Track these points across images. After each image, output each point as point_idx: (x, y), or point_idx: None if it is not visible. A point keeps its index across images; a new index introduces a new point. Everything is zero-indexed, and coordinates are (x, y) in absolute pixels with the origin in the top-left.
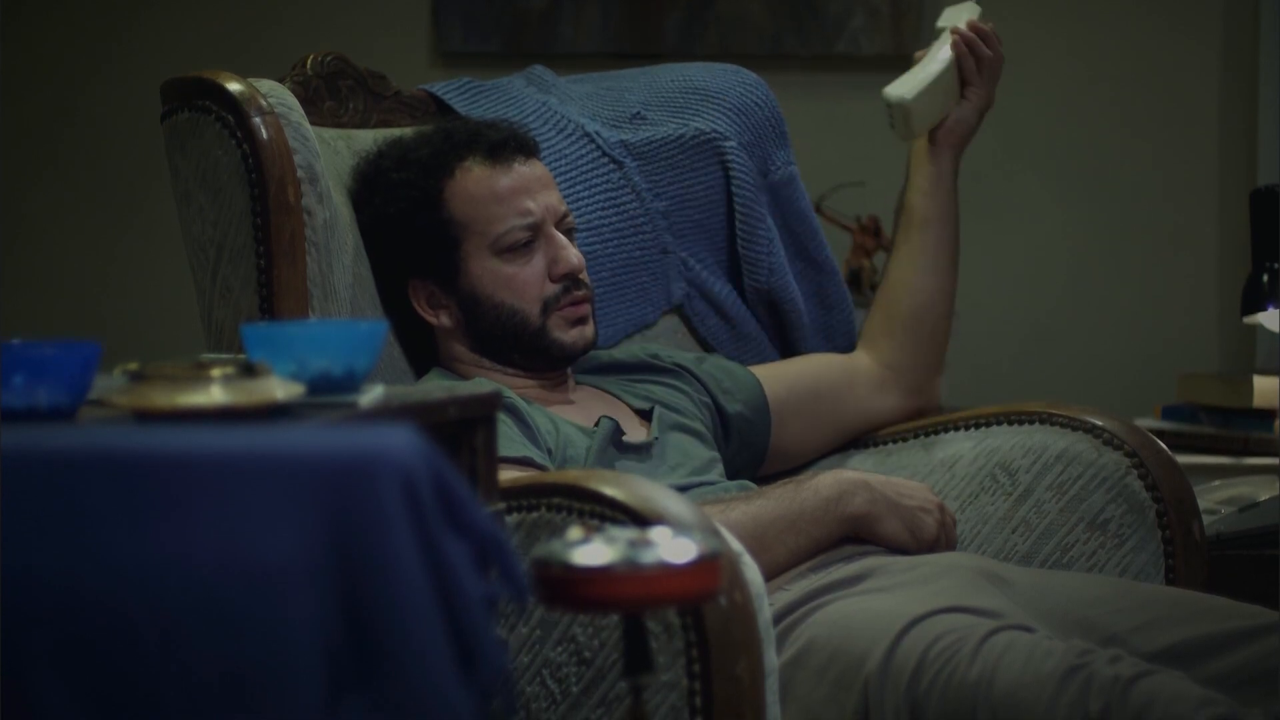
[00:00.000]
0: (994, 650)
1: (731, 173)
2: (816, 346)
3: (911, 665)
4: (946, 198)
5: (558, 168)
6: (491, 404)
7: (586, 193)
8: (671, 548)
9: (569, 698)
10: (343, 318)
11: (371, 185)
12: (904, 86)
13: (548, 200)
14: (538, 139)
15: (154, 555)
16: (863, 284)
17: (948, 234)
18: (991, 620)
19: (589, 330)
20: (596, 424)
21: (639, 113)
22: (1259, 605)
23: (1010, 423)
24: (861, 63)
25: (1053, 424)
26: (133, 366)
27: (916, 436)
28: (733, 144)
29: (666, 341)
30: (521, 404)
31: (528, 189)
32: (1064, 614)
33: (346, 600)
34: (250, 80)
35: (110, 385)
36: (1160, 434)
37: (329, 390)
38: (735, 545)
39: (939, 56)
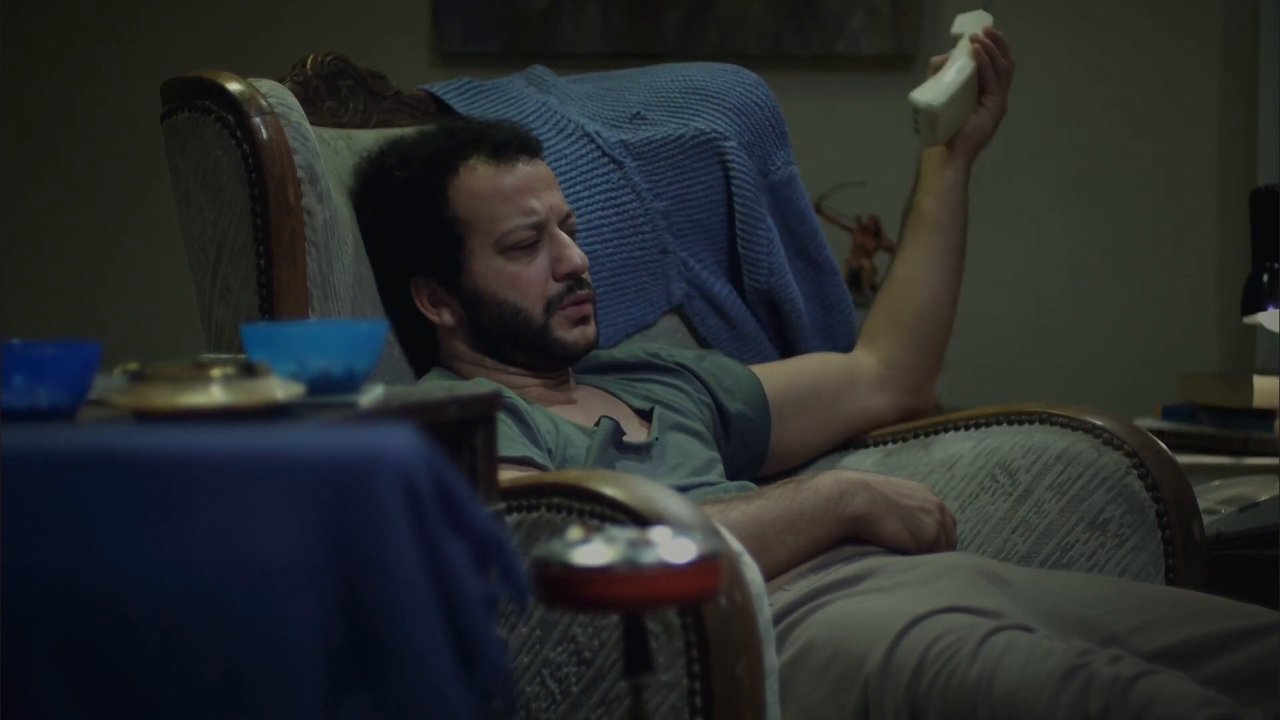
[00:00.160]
0: (994, 650)
1: (731, 173)
2: (816, 346)
3: (911, 665)
4: (958, 202)
5: (558, 168)
6: (491, 404)
7: (586, 193)
8: (671, 548)
9: (569, 698)
10: (343, 318)
11: (373, 184)
12: (932, 92)
13: (551, 200)
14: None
15: (154, 555)
16: (863, 284)
17: (957, 238)
18: (991, 620)
19: (591, 330)
20: (597, 424)
21: (639, 113)
22: (1259, 605)
23: (1010, 423)
24: (861, 63)
25: (1053, 424)
26: (133, 366)
27: (916, 436)
28: (733, 144)
29: (666, 341)
30: (521, 404)
31: (532, 188)
32: (1064, 614)
33: (346, 600)
34: (250, 80)
35: (110, 385)
36: (1160, 434)
37: (329, 390)
38: (735, 545)
39: (963, 64)
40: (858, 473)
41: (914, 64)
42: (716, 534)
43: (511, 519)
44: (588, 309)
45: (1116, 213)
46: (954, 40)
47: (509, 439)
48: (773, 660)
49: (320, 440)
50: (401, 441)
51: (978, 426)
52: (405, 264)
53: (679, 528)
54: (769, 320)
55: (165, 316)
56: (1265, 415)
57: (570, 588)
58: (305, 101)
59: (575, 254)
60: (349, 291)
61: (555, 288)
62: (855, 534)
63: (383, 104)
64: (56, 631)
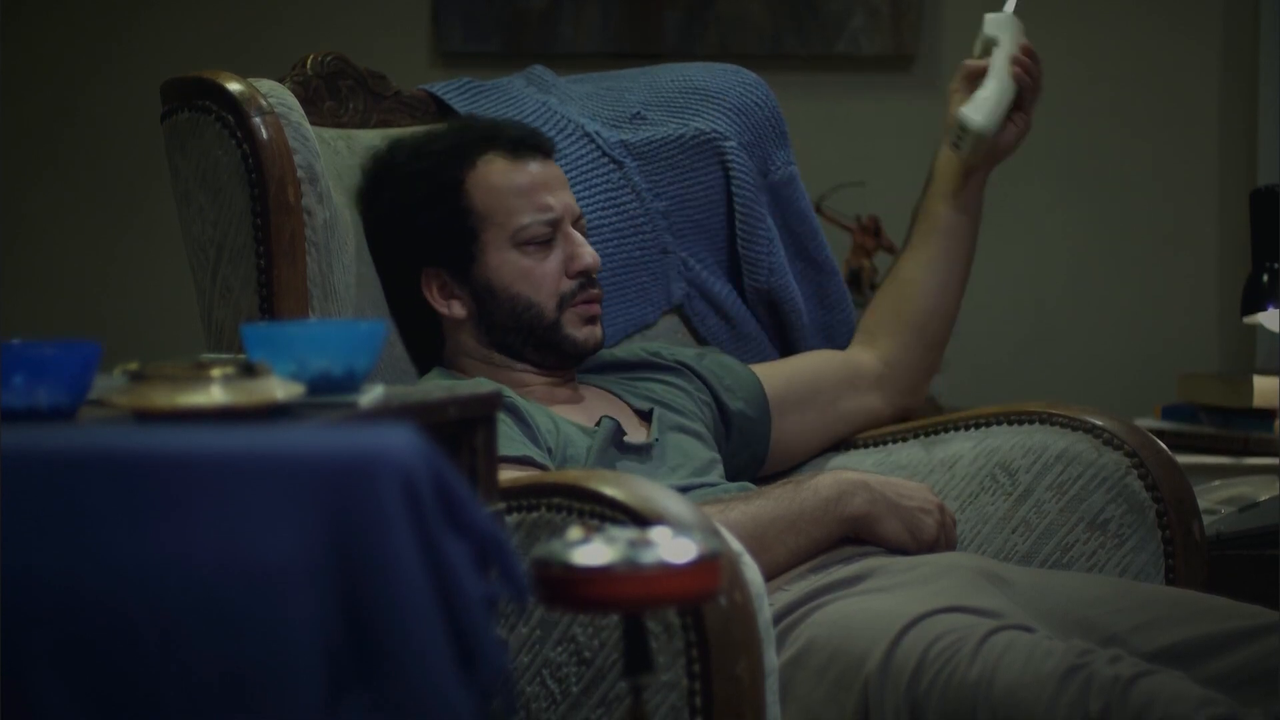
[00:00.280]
0: (994, 650)
1: (731, 173)
2: (816, 346)
3: (911, 665)
4: (974, 210)
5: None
6: (491, 404)
7: (586, 193)
8: (671, 548)
9: (569, 698)
10: (343, 318)
11: (383, 178)
12: (983, 114)
13: (565, 199)
14: None
15: (154, 555)
16: (863, 284)
17: (967, 244)
18: (991, 620)
19: (599, 331)
20: (597, 424)
21: (639, 113)
22: (1259, 605)
23: (1010, 423)
24: (861, 63)
25: (1053, 424)
26: (133, 366)
27: (916, 436)
28: (733, 144)
29: (667, 341)
30: (521, 403)
31: (548, 186)
32: (1064, 614)
33: (346, 600)
34: (250, 80)
35: (110, 385)
36: (1160, 434)
37: (329, 390)
38: (735, 545)
39: (1006, 84)
40: (857, 473)
41: (914, 64)
42: (716, 534)
43: (511, 519)
44: (598, 309)
45: (1116, 213)
46: (985, 44)
47: (509, 438)
48: (773, 660)
49: (320, 440)
50: (401, 441)
51: (978, 426)
52: (417, 255)
53: (679, 528)
54: (769, 320)
55: (165, 316)
56: (1265, 415)
57: (570, 588)
58: (305, 101)
59: (589, 252)
60: (349, 291)
61: (568, 285)
62: (855, 534)
63: (383, 104)
64: (56, 631)
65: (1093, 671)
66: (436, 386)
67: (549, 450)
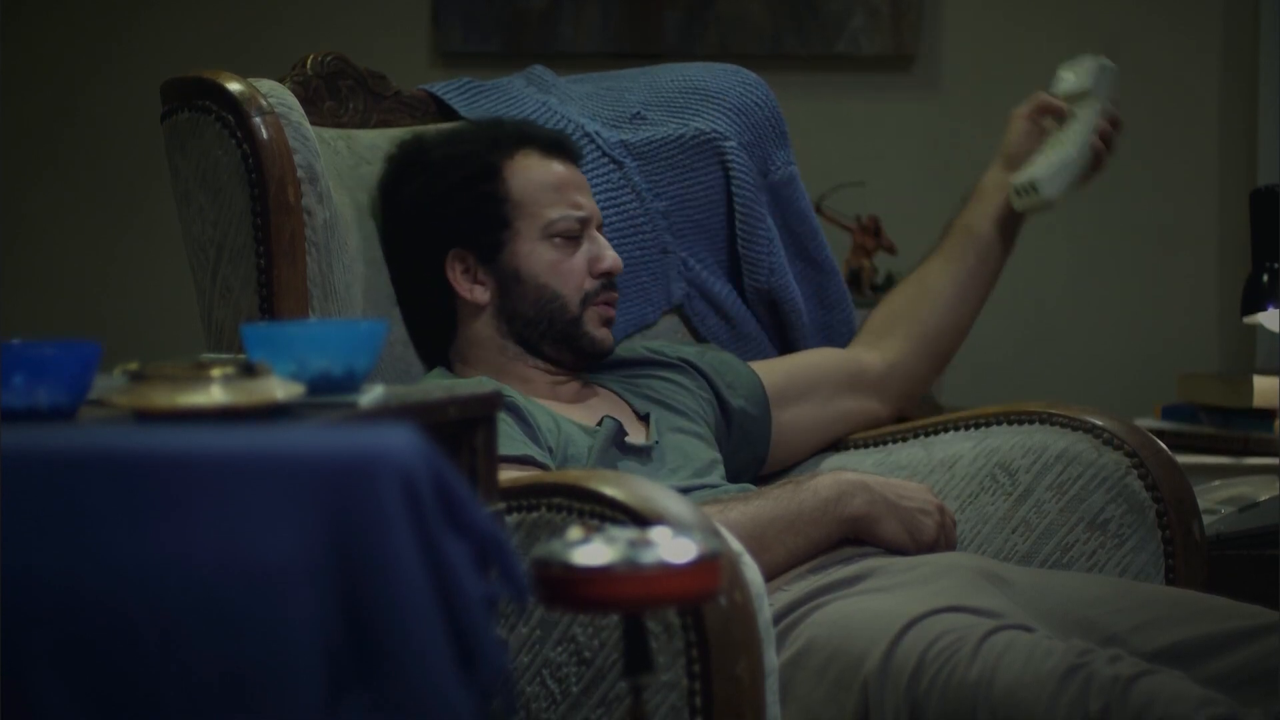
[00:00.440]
0: (994, 650)
1: (731, 173)
2: (816, 346)
3: (911, 665)
4: (1012, 238)
5: None
6: (491, 404)
7: None
8: (671, 548)
9: (569, 698)
10: (343, 318)
11: (414, 162)
12: (1056, 187)
13: (591, 204)
14: None
15: (154, 555)
16: (863, 284)
17: (996, 266)
18: (991, 620)
19: (610, 335)
20: (599, 423)
21: (639, 113)
22: (1259, 605)
23: (1010, 423)
24: (861, 63)
25: (1053, 424)
26: (133, 366)
27: (916, 436)
28: (733, 144)
29: (667, 341)
30: (523, 402)
31: (578, 187)
32: (1064, 614)
33: (346, 600)
34: (250, 80)
35: (110, 385)
36: (1160, 434)
37: (329, 390)
38: (735, 545)
39: (1081, 154)
40: (857, 474)
41: (914, 64)
42: (716, 534)
43: (511, 519)
44: (614, 312)
45: (1116, 213)
46: (1074, 91)
47: (510, 438)
48: (773, 660)
49: (320, 440)
50: (401, 441)
51: (978, 426)
52: (445, 236)
53: (679, 528)
54: (769, 320)
55: (165, 316)
56: (1265, 415)
57: (570, 588)
58: (305, 101)
59: (613, 255)
60: (349, 291)
61: (591, 283)
62: (854, 535)
63: (383, 104)
64: (56, 631)
65: (1093, 671)
66: (437, 386)
67: (550, 449)
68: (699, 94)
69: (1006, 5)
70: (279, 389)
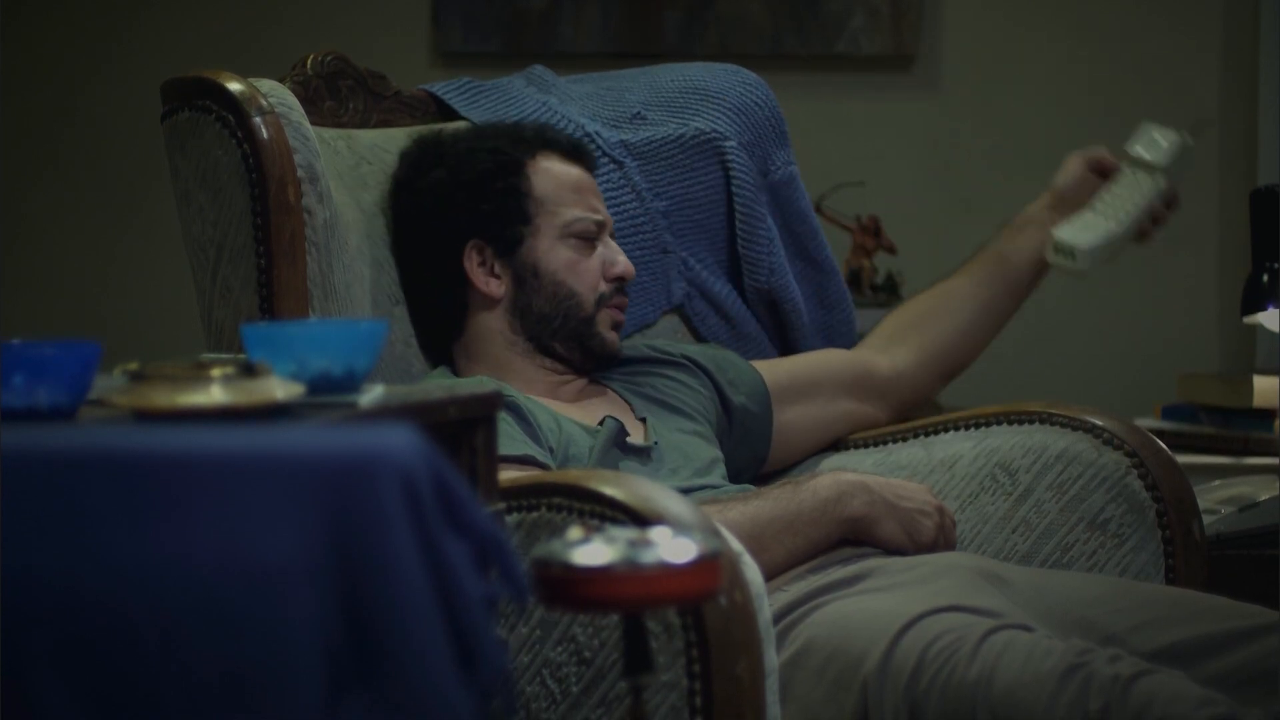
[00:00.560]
0: (993, 649)
1: (731, 173)
2: (816, 346)
3: (911, 665)
4: (1040, 276)
5: None
6: (492, 404)
7: None
8: (671, 548)
9: (569, 698)
10: (343, 317)
11: (436, 154)
12: (1093, 260)
13: (605, 210)
14: None
15: (154, 555)
16: (863, 284)
17: (1019, 302)
18: (990, 619)
19: (618, 339)
20: (600, 423)
21: (639, 113)
22: (1259, 605)
23: (1010, 423)
24: (861, 63)
25: (1053, 424)
26: (133, 366)
27: (916, 436)
28: (733, 144)
29: (668, 340)
30: (523, 401)
31: (595, 192)
32: (1063, 614)
33: (346, 600)
34: (250, 80)
35: (110, 385)
36: (1160, 434)
37: (329, 390)
38: (735, 545)
39: (1131, 231)
40: (856, 474)
41: (914, 64)
42: (716, 534)
43: (511, 519)
44: (623, 317)
45: None
46: (1143, 158)
47: (510, 437)
48: (773, 660)
49: (320, 440)
50: (401, 441)
51: (978, 426)
52: (465, 227)
53: (679, 528)
54: (769, 320)
55: (165, 316)
56: (1265, 415)
57: (570, 588)
58: (305, 101)
59: (626, 261)
60: (349, 291)
61: (605, 286)
62: (853, 535)
63: (383, 104)
64: (56, 631)
65: (1092, 671)
66: (437, 386)
67: (550, 449)
68: (699, 94)
69: (1006, 5)
70: (279, 389)
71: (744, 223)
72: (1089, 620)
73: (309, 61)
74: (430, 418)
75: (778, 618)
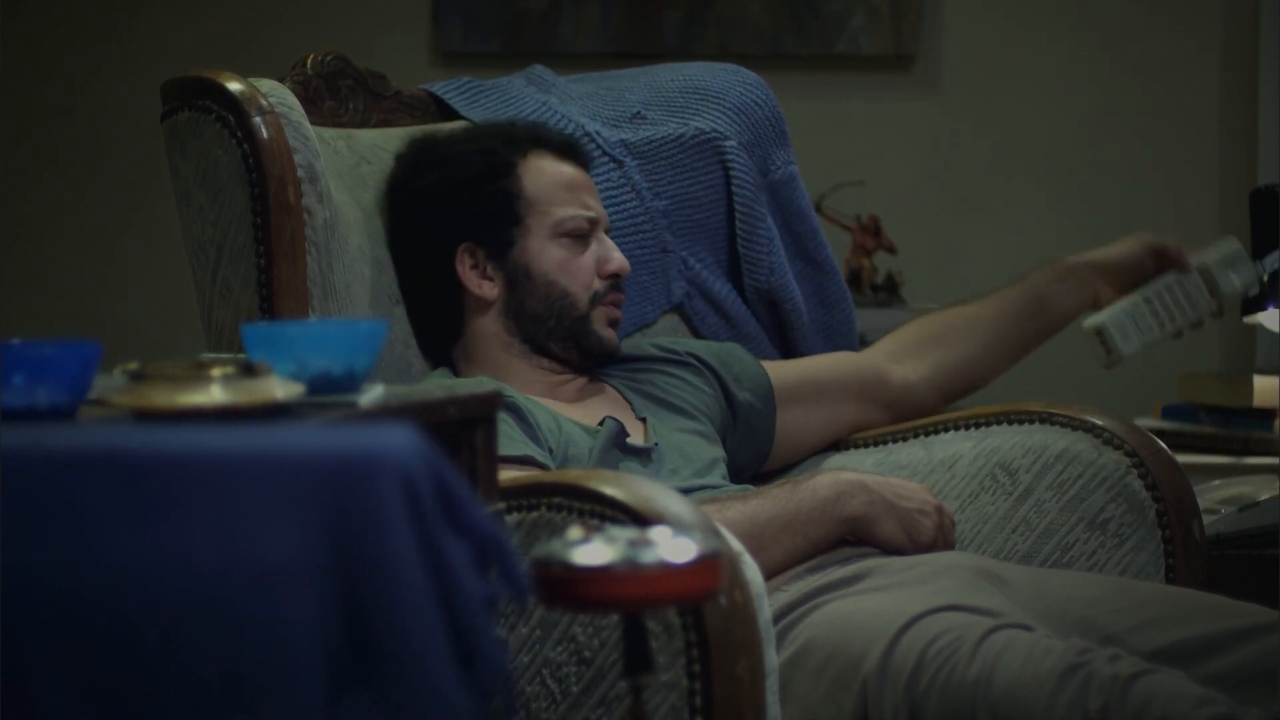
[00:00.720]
0: (993, 649)
1: (731, 172)
2: (816, 346)
3: (910, 664)
4: (1071, 316)
5: None
6: (491, 404)
7: None
8: (671, 547)
9: (569, 698)
10: (343, 317)
11: (427, 156)
12: (1126, 351)
13: (599, 207)
14: None
15: (154, 555)
16: (863, 283)
17: (1040, 342)
18: (990, 619)
19: (616, 337)
20: (600, 423)
21: (639, 112)
22: (1259, 604)
23: (1010, 422)
24: (861, 63)
25: (1053, 424)
26: (133, 366)
27: (916, 436)
28: (733, 143)
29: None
30: (523, 401)
31: (588, 190)
32: (1062, 613)
33: (346, 600)
34: (250, 80)
35: (110, 385)
36: (1160, 434)
37: (329, 390)
38: (735, 545)
39: (1168, 336)
40: (856, 473)
41: (914, 64)
42: (716, 534)
43: (511, 519)
44: (619, 314)
45: (1117, 212)
46: (1216, 275)
47: (510, 438)
48: (773, 660)
49: (320, 440)
50: (401, 441)
51: (978, 426)
52: (456, 231)
53: (679, 527)
54: (769, 320)
55: (165, 316)
56: (1265, 415)
57: (570, 588)
58: (305, 101)
59: (620, 257)
60: (349, 291)
61: (599, 283)
62: (852, 535)
63: (383, 104)
64: (56, 631)
65: (1092, 670)
66: (437, 386)
67: (550, 449)
68: (699, 94)
69: (1006, 5)
70: (279, 389)
71: (744, 222)
72: (1088, 620)
73: (309, 61)
74: (430, 418)
75: (777, 618)
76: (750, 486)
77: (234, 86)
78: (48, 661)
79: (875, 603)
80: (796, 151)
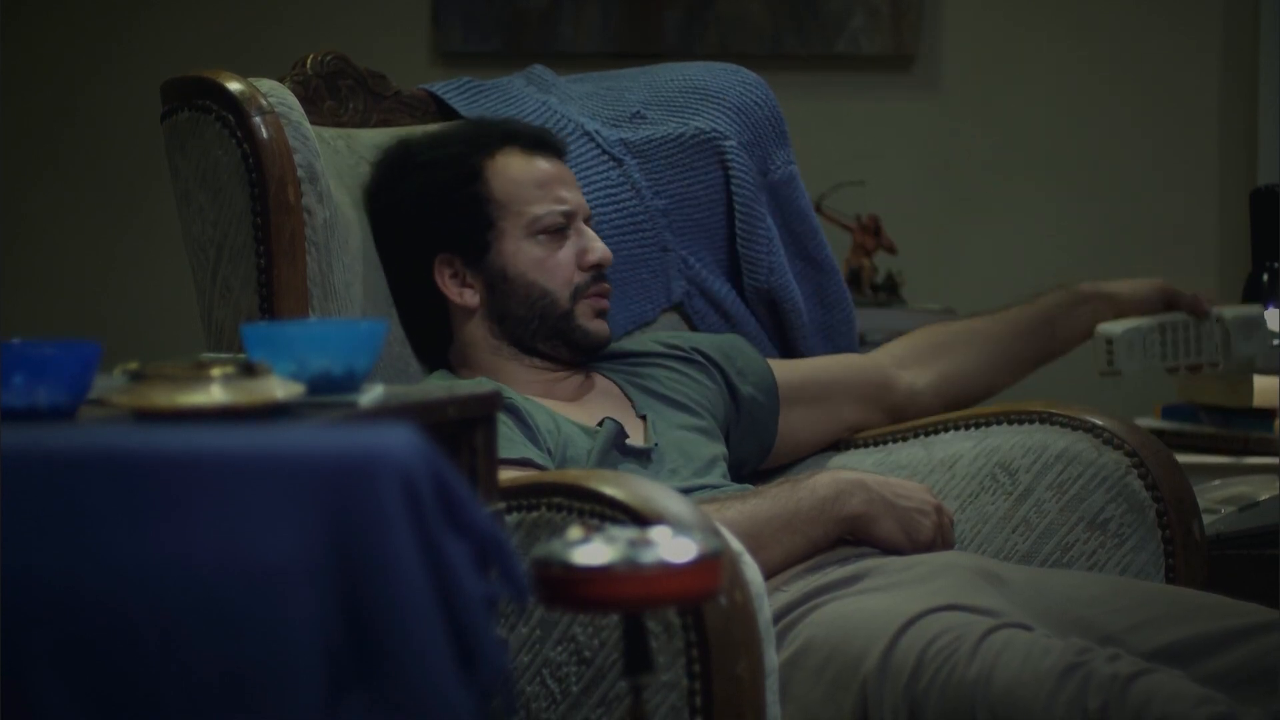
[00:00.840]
0: (992, 648)
1: (731, 172)
2: (816, 346)
3: (910, 664)
4: (1078, 341)
5: None
6: (491, 404)
7: (586, 189)
8: (671, 547)
9: (569, 697)
10: (343, 317)
11: (397, 167)
12: (1126, 370)
13: (577, 197)
14: None
15: (154, 555)
16: (863, 283)
17: (1043, 363)
18: (989, 618)
19: (606, 326)
20: (600, 424)
21: (639, 112)
22: (1258, 604)
23: (1010, 422)
24: (861, 63)
25: (1053, 423)
26: (133, 366)
27: (916, 436)
28: (732, 143)
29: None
30: (522, 402)
31: (562, 182)
32: (1061, 613)
33: (346, 600)
34: (250, 80)
35: (110, 385)
36: (1160, 434)
37: (329, 390)
38: (735, 544)
39: (1169, 370)
40: (855, 472)
41: (914, 64)
42: (716, 533)
43: (511, 519)
44: (607, 304)
45: (1117, 212)
46: (1228, 340)
47: (509, 440)
48: (773, 660)
49: (320, 440)
50: (401, 441)
51: (978, 426)
52: (430, 242)
53: (679, 527)
54: (769, 320)
55: (165, 316)
56: (1265, 415)
57: (570, 587)
58: (305, 101)
59: (601, 247)
60: (349, 291)
61: (581, 276)
62: (851, 534)
63: (383, 104)
64: (56, 631)
65: (1091, 669)
66: (437, 386)
67: (549, 451)
68: (699, 93)
69: (1006, 5)
70: (279, 389)
71: (744, 222)
72: (1087, 620)
73: (309, 61)
74: (430, 418)
75: (776, 618)
76: (749, 486)
77: (234, 86)
78: (48, 661)
79: (874, 603)
80: (796, 151)
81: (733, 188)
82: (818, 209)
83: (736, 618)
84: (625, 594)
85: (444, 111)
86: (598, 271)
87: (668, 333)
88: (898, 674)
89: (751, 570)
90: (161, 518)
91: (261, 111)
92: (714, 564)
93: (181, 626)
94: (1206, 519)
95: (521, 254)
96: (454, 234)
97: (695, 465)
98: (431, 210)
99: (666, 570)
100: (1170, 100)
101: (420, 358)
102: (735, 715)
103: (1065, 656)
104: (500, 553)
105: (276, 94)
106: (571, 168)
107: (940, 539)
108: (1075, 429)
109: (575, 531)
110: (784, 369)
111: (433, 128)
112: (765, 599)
